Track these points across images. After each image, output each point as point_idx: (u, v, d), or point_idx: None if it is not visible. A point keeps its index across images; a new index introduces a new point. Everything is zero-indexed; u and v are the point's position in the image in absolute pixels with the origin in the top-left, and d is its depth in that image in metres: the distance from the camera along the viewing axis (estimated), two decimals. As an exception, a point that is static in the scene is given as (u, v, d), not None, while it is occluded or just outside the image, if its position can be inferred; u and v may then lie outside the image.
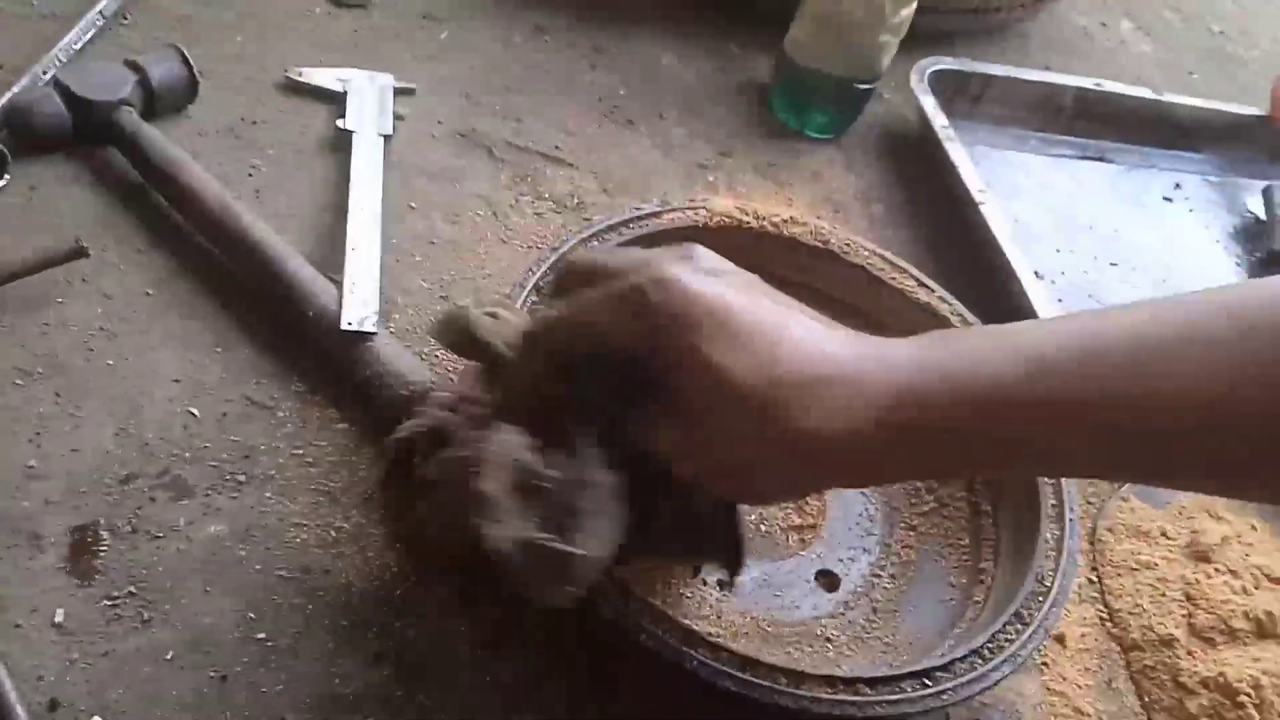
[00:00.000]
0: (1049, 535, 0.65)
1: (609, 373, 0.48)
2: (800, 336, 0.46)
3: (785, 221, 0.77)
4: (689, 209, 0.76)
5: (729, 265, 0.49)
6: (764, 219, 0.77)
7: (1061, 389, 0.45)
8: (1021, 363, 0.45)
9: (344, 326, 0.67)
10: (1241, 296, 0.44)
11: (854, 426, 0.45)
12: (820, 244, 0.77)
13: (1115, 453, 0.46)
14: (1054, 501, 0.67)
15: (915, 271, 0.77)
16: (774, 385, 0.45)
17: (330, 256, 0.74)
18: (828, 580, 0.67)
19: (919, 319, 0.75)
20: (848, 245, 0.77)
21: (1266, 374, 0.42)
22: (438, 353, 0.73)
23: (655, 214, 0.74)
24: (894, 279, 0.77)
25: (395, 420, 0.64)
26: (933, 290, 0.77)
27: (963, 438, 0.46)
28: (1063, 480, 0.67)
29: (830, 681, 0.55)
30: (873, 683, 0.55)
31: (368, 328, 0.67)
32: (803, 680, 0.54)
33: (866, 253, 0.78)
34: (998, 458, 0.48)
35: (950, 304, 0.76)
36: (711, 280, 0.46)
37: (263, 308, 0.71)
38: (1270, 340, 0.42)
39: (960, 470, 0.52)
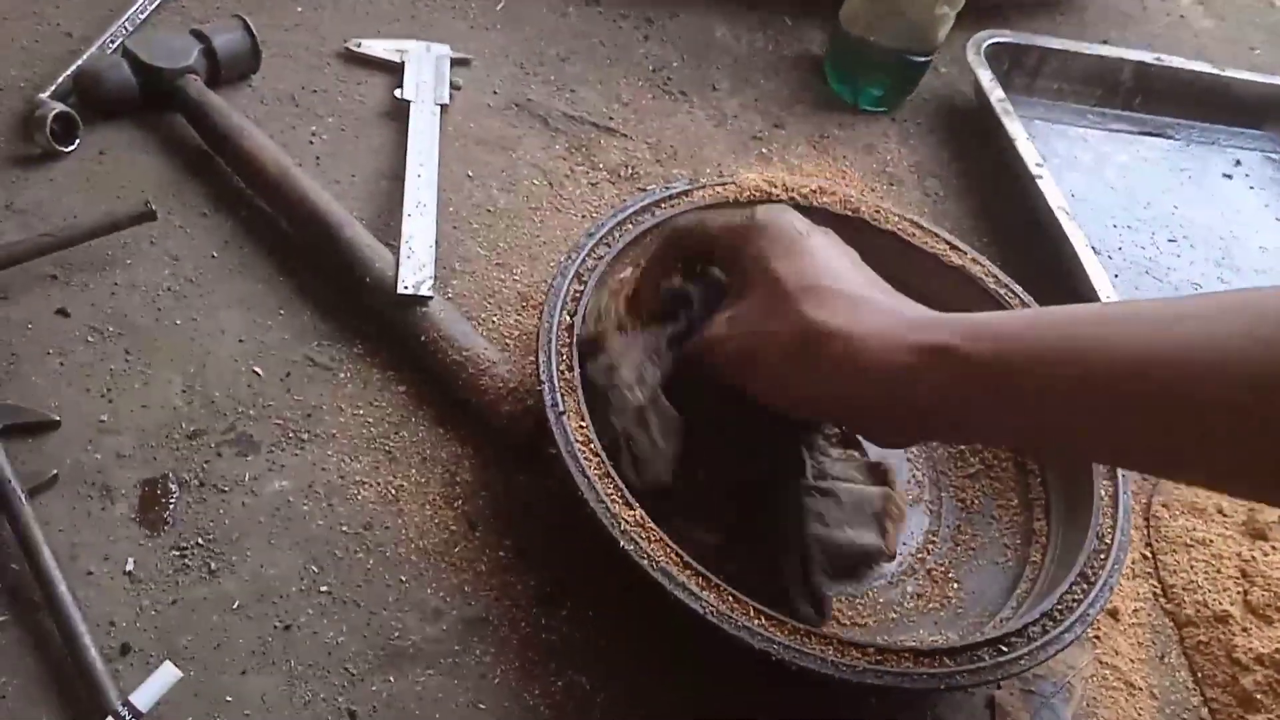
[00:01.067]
0: (1103, 491, 0.65)
1: (709, 283, 0.62)
2: (848, 274, 0.55)
3: (814, 192, 0.77)
4: (718, 185, 0.76)
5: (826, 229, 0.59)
6: (792, 190, 0.77)
7: (1087, 340, 0.47)
8: (1048, 318, 0.51)
9: (400, 290, 0.68)
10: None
11: (885, 343, 0.51)
12: (850, 212, 0.77)
13: (1133, 424, 0.47)
14: None
15: (947, 235, 0.77)
16: (807, 290, 0.53)
17: (388, 223, 0.75)
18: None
19: (952, 282, 0.75)
20: (877, 213, 0.77)
21: None
22: (493, 319, 0.74)
23: (686, 192, 0.74)
24: (926, 244, 0.77)
25: (450, 385, 0.66)
26: (965, 253, 0.76)
27: (989, 380, 0.49)
28: None
29: (910, 655, 0.55)
30: (952, 653, 0.56)
31: (424, 291, 0.68)
32: (884, 655, 0.55)
33: (896, 218, 0.77)
34: (1021, 409, 0.50)
35: (983, 265, 0.76)
36: (803, 223, 0.57)
37: (323, 271, 0.72)
38: None
39: (989, 420, 0.52)
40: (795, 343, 0.52)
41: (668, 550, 0.55)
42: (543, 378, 0.60)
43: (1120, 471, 0.66)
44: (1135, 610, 0.70)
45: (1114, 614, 0.69)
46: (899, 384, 0.51)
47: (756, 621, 0.54)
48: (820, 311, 0.52)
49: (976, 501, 0.72)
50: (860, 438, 0.65)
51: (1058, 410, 0.48)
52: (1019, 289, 0.75)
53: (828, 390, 0.53)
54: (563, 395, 0.60)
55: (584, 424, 0.59)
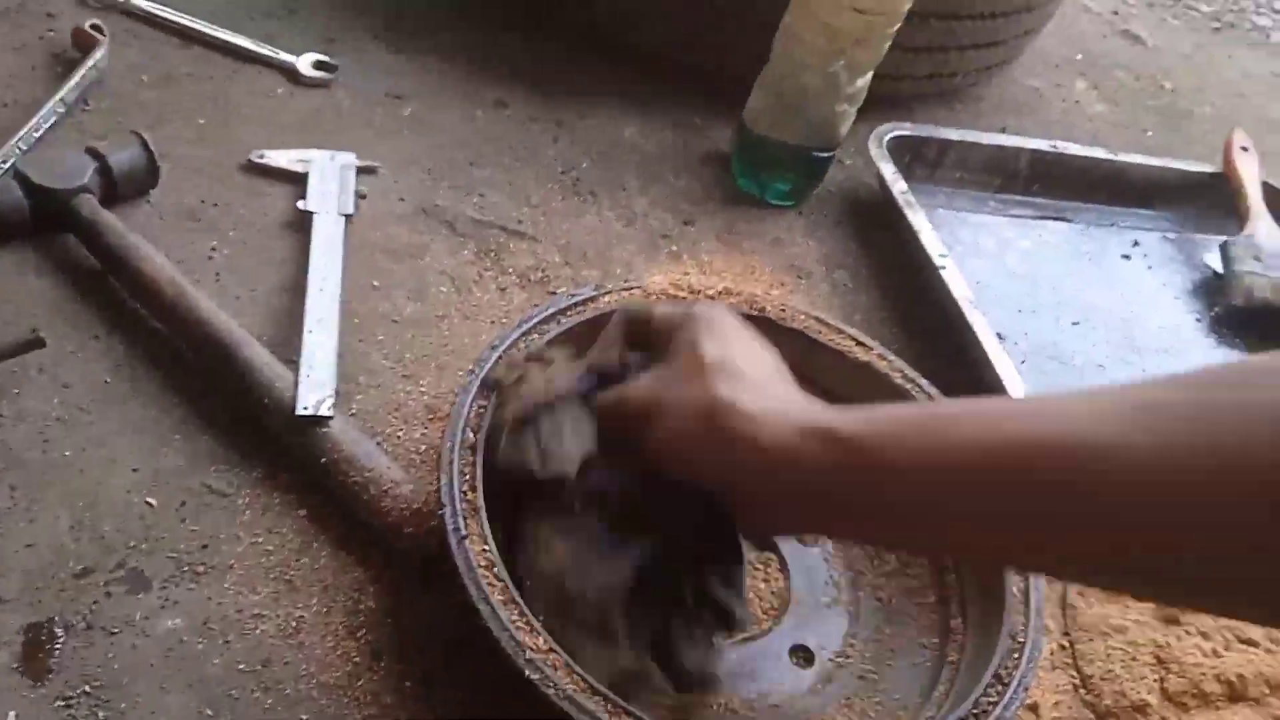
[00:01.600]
0: (1015, 588, 0.65)
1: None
2: (764, 364, 0.58)
3: (720, 293, 0.78)
4: (625, 289, 0.76)
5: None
6: (698, 292, 0.78)
7: (964, 420, 0.48)
8: (931, 406, 0.54)
9: (300, 411, 0.66)
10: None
11: (778, 423, 0.52)
12: (756, 311, 0.77)
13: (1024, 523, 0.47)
14: None
15: (853, 331, 0.78)
16: (721, 368, 0.55)
17: (291, 338, 0.74)
18: (803, 655, 0.67)
19: (860, 378, 0.76)
20: (783, 311, 0.78)
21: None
22: (399, 434, 0.72)
23: (592, 298, 0.74)
24: (832, 340, 0.77)
25: (352, 507, 0.64)
26: (871, 349, 0.77)
27: (861, 459, 0.50)
28: None
29: None
30: None
31: (324, 411, 0.67)
32: None
33: (803, 317, 0.78)
34: (889, 490, 0.50)
35: (889, 360, 0.76)
36: (738, 317, 0.60)
37: (221, 394, 0.71)
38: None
39: (860, 505, 0.52)
40: (699, 409, 0.54)
41: (574, 677, 0.54)
42: (444, 500, 0.59)
43: None
44: (1055, 703, 0.70)
45: (1034, 708, 0.69)
46: (782, 461, 0.52)
47: None
48: (728, 387, 0.54)
49: (894, 599, 0.71)
50: (737, 524, 0.63)
51: (924, 493, 0.49)
52: (925, 383, 0.76)
53: (716, 458, 0.54)
54: (465, 518, 0.59)
55: (487, 548, 0.58)
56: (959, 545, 0.54)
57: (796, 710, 0.64)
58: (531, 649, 0.54)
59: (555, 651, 0.55)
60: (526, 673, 0.53)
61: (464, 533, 0.58)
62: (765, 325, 0.77)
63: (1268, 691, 0.70)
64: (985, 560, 0.65)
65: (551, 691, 0.53)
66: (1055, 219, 1.13)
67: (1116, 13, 1.64)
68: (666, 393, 0.57)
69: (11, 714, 0.54)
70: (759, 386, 0.55)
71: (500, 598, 0.56)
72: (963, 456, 0.47)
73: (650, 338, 0.62)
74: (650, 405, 0.57)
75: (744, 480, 0.54)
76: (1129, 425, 0.43)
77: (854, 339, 0.77)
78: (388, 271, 0.84)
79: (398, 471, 0.67)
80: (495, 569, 0.57)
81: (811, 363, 0.77)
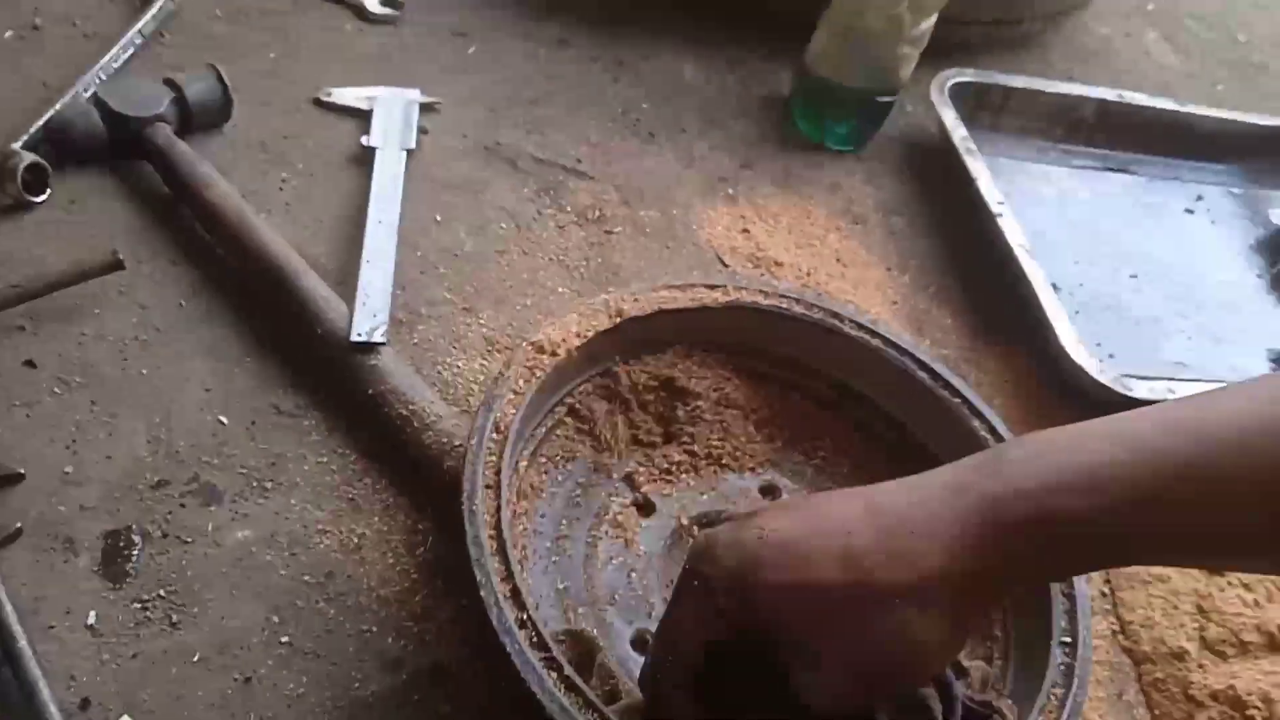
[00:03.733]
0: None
1: (735, 663, 0.48)
2: (847, 513, 0.47)
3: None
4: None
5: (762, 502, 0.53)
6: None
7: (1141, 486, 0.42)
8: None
9: (353, 338, 0.69)
10: None
11: (935, 562, 0.44)
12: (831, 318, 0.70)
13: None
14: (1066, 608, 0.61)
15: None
16: (849, 565, 0.45)
17: (352, 268, 0.76)
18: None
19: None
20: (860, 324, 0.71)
21: None
22: (458, 364, 0.75)
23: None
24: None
25: (395, 439, 0.65)
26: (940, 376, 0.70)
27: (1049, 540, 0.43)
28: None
29: None
30: None
31: (377, 339, 0.69)
32: None
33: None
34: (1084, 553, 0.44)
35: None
36: (748, 524, 0.48)
37: (284, 320, 0.73)
38: None
39: (1060, 566, 0.46)
40: (892, 622, 0.44)
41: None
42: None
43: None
44: (1094, 647, 0.71)
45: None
46: (963, 593, 0.44)
47: None
48: (873, 575, 0.45)
49: None
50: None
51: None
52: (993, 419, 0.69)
53: (918, 643, 0.45)
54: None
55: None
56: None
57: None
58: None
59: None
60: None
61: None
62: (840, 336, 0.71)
63: (1308, 644, 0.71)
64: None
65: None
66: (1118, 170, 1.11)
67: (1194, -40, 1.59)
68: (849, 664, 0.45)
69: (92, 613, 0.58)
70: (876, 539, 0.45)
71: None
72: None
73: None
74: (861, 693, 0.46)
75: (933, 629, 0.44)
76: None
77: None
78: (449, 206, 0.86)
79: (441, 406, 0.68)
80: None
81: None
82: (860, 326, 0.70)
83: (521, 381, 0.62)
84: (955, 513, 0.44)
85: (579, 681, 0.51)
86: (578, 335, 0.65)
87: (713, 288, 0.70)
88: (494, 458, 0.58)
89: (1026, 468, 0.44)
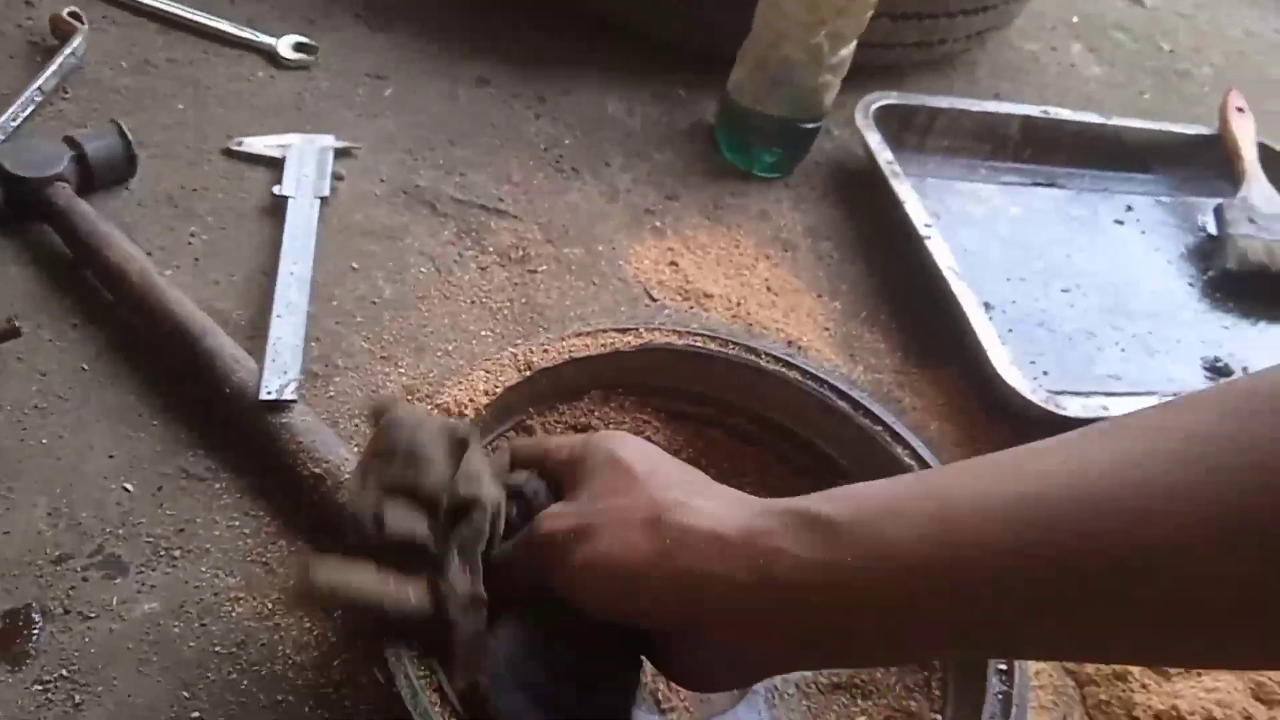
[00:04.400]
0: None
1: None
2: (692, 471, 0.52)
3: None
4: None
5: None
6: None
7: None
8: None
9: (263, 396, 0.67)
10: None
11: (738, 512, 0.46)
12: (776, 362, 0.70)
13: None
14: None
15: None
16: (653, 474, 0.49)
17: (264, 322, 0.74)
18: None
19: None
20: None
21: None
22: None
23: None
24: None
25: (301, 497, 0.64)
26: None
27: (854, 542, 0.42)
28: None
29: None
30: None
31: (288, 395, 0.67)
32: None
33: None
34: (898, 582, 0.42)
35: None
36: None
37: (193, 381, 0.71)
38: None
39: (863, 600, 0.42)
40: (641, 515, 0.47)
41: None
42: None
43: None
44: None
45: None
46: (754, 554, 0.44)
47: None
48: (670, 490, 0.48)
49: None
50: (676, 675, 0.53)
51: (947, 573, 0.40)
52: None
53: (662, 575, 0.45)
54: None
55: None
56: (995, 641, 0.43)
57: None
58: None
59: None
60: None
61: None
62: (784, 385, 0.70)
63: (1252, 658, 0.70)
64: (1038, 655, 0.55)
65: None
66: (1047, 185, 1.12)
67: (1116, -27, 1.61)
68: (596, 510, 0.48)
69: (-10, 699, 0.55)
70: (703, 488, 0.49)
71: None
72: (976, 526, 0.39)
73: (551, 471, 0.54)
74: (578, 531, 0.48)
75: (702, 599, 0.45)
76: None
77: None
78: (367, 253, 0.84)
79: (355, 462, 0.66)
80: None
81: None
82: (777, 359, 0.69)
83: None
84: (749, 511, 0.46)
85: None
86: (485, 394, 0.63)
87: (624, 331, 0.68)
88: None
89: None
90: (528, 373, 0.65)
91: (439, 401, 0.63)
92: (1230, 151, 1.13)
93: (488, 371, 0.65)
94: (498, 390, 0.64)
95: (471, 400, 0.63)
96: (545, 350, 0.66)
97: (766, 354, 0.69)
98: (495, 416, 0.65)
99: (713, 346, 0.69)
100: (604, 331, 0.68)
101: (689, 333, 0.70)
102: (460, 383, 0.64)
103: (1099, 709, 0.69)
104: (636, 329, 0.69)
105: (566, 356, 0.66)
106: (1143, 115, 1.18)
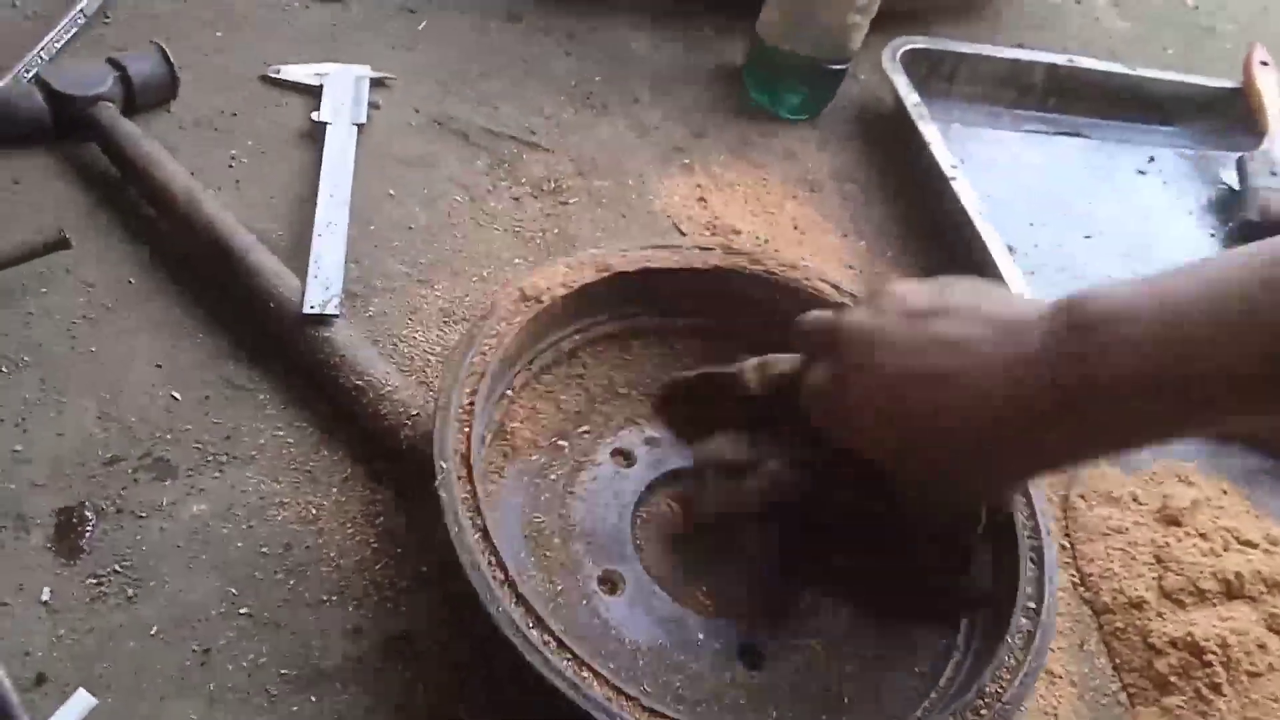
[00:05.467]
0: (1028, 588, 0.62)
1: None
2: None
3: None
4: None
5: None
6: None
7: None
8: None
9: (305, 310, 0.68)
10: None
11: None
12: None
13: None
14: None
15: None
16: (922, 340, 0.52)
17: (304, 243, 0.75)
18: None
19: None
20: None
21: None
22: (415, 336, 0.74)
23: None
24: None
25: (348, 409, 0.66)
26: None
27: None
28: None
29: None
30: None
31: (330, 310, 0.68)
32: None
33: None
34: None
35: None
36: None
37: (236, 295, 0.72)
38: None
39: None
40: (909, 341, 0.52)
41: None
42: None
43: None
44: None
45: (1032, 603, 0.71)
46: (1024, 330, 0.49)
47: None
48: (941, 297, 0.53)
49: None
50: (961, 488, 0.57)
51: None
52: None
53: (936, 386, 0.50)
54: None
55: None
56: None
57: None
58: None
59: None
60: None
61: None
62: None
63: (1264, 590, 0.72)
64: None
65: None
66: (1070, 134, 1.12)
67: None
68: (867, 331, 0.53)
69: (46, 590, 0.57)
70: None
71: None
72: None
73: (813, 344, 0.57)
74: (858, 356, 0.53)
75: (984, 375, 0.49)
76: None
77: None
78: (402, 180, 0.85)
79: (397, 377, 0.68)
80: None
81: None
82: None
83: (504, 324, 0.64)
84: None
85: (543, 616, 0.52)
86: (564, 285, 0.67)
87: (705, 250, 0.72)
88: (470, 393, 0.60)
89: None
90: (605, 274, 0.69)
91: (521, 285, 0.66)
92: (1253, 105, 1.13)
93: (568, 267, 0.67)
94: (574, 284, 0.67)
95: (549, 287, 0.67)
96: (624, 256, 0.69)
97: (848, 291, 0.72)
98: (567, 310, 0.69)
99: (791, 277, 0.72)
100: (682, 249, 0.71)
101: (765, 259, 0.73)
102: (543, 271, 0.67)
103: (1114, 636, 0.71)
104: (714, 249, 0.72)
105: (643, 265, 0.70)
106: (1166, 69, 1.18)
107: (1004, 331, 0.50)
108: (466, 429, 0.58)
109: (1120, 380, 0.46)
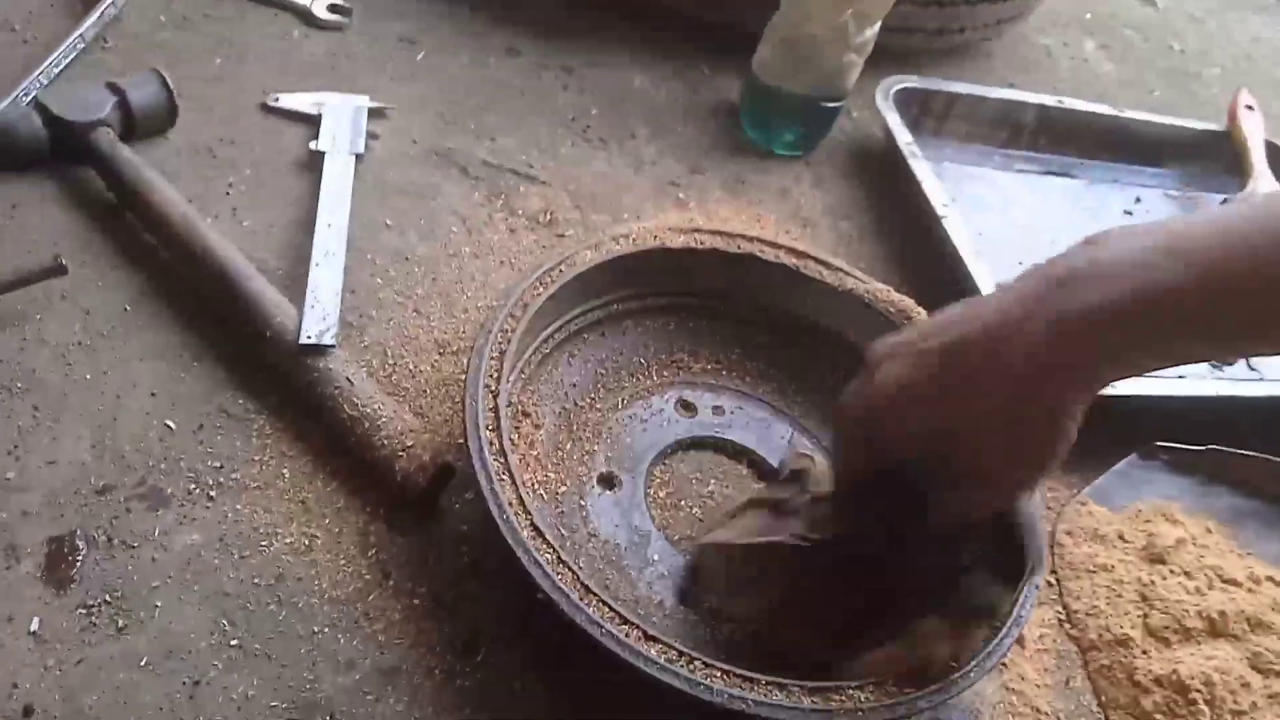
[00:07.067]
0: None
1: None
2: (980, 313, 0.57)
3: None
4: (620, 236, 0.78)
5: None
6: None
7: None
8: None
9: (302, 340, 0.68)
10: None
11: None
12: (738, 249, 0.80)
13: None
14: None
15: (838, 263, 0.80)
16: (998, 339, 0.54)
17: (303, 273, 0.76)
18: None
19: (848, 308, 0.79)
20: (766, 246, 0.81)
21: None
22: (409, 366, 0.74)
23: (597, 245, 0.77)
24: (817, 272, 0.80)
25: (344, 440, 0.66)
26: (852, 275, 0.80)
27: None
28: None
29: (820, 692, 0.56)
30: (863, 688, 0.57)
31: (327, 340, 0.69)
32: (784, 689, 0.56)
33: (785, 252, 0.81)
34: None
35: (867, 283, 0.79)
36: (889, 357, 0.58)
37: (233, 324, 0.73)
38: None
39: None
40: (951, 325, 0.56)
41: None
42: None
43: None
44: (1040, 636, 0.72)
45: (1020, 641, 0.71)
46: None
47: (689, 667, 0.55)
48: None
49: None
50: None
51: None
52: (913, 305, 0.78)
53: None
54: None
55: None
56: None
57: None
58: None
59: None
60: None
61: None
62: (751, 261, 0.79)
63: (1248, 628, 0.72)
64: None
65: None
66: (1059, 174, 1.14)
67: (1129, -27, 1.63)
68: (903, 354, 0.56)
69: (35, 620, 0.57)
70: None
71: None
72: None
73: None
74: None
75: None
76: None
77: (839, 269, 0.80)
78: (400, 211, 0.85)
79: (392, 408, 0.68)
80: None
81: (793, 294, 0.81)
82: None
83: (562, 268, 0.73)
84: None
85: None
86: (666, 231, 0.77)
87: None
88: (508, 331, 0.67)
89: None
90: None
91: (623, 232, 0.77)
92: (1238, 148, 1.15)
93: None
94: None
95: (656, 235, 0.77)
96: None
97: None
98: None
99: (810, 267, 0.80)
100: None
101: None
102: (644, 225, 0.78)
103: (1100, 673, 0.71)
104: (746, 236, 0.80)
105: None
106: (1153, 112, 1.20)
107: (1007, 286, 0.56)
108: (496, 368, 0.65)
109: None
